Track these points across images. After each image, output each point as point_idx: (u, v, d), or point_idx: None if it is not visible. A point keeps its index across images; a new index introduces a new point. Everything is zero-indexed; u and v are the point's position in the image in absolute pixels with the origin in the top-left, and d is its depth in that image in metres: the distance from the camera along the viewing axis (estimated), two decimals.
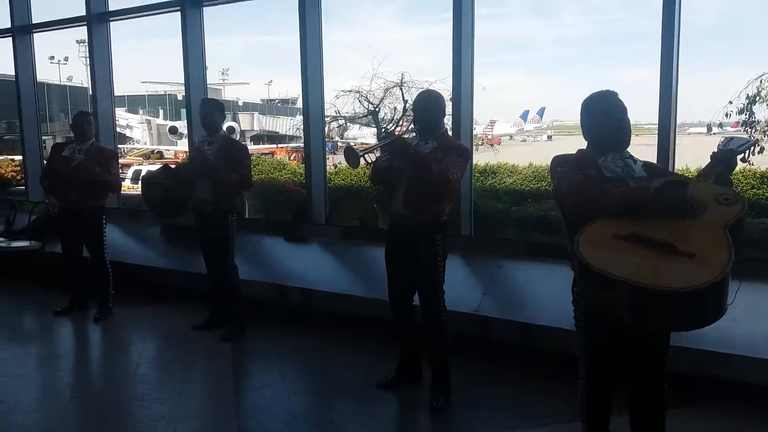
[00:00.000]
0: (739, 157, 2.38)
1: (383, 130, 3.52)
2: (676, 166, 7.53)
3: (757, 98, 7.20)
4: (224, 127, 4.66)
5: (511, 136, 30.60)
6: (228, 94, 37.49)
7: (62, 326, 4.91)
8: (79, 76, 36.42)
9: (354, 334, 4.43)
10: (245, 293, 4.61)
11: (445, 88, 9.10)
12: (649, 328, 2.19)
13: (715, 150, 2.36)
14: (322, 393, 3.79)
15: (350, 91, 9.83)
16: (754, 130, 7.35)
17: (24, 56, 7.51)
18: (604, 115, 2.41)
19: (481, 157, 10.66)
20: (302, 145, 6.33)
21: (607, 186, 2.22)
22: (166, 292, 5.38)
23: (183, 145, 23.06)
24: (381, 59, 13.38)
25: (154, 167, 6.94)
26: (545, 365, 3.73)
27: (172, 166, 5.52)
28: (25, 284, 5.82)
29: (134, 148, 28.54)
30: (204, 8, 6.16)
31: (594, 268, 1.98)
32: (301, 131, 13.03)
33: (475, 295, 4.29)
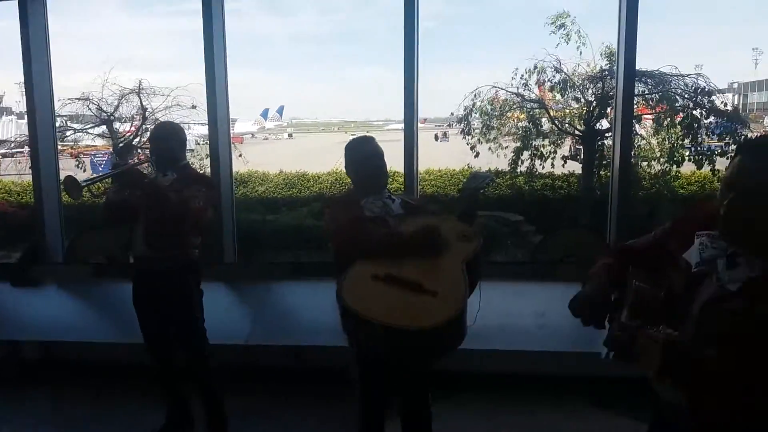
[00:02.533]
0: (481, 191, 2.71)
1: (113, 159, 3.14)
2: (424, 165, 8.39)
3: (473, 109, 8.33)
4: None
5: (252, 135, 30.56)
6: None
7: None
8: None
9: (109, 384, 4.01)
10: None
11: (186, 94, 8.74)
12: (407, 363, 2.43)
13: (461, 187, 2.68)
14: None
15: (79, 99, 8.72)
16: (471, 137, 8.48)
17: None
18: (364, 160, 2.60)
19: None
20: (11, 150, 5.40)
21: (362, 230, 2.37)
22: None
23: None
24: (114, 59, 12.13)
25: None
26: (320, 386, 3.82)
27: None
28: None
29: None
30: None
31: (352, 310, 2.15)
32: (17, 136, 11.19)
33: (244, 325, 4.19)
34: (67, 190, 2.91)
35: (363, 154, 2.61)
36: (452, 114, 8.33)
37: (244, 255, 6.02)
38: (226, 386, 3.39)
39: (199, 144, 11.55)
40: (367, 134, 3.18)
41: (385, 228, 2.42)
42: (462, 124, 8.33)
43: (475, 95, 8.17)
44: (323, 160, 10.58)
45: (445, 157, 8.63)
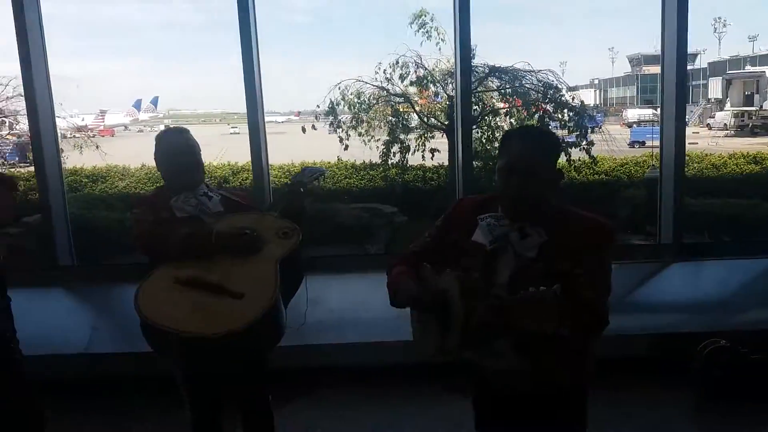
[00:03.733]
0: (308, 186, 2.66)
1: None
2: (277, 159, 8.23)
3: (342, 101, 8.33)
4: None
5: (126, 127, 28.87)
6: None
7: None
8: None
9: None
10: None
11: None
12: (208, 371, 2.32)
13: (289, 181, 2.63)
14: None
15: None
16: (340, 129, 8.49)
17: None
18: (170, 156, 2.44)
19: (86, 159, 9.62)
20: None
21: (170, 231, 2.24)
22: None
23: None
24: None
25: None
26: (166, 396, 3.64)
27: None
28: None
29: None
30: None
31: (144, 318, 2.05)
32: None
33: (83, 332, 3.91)
34: None
35: (171, 147, 2.45)
36: (318, 107, 8.26)
37: (98, 256, 5.64)
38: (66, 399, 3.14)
39: (66, 137, 10.68)
40: (179, 125, 3.01)
41: (199, 227, 2.29)
42: (330, 117, 8.30)
43: (339, 88, 8.17)
44: (205, 152, 10.12)
45: (315, 149, 8.57)
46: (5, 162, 9.96)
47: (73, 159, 9.94)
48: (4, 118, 8.98)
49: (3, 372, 2.90)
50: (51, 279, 4.18)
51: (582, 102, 8.86)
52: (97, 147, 9.34)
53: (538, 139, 1.79)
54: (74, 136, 10.53)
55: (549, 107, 8.09)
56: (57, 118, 9.18)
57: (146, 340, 2.23)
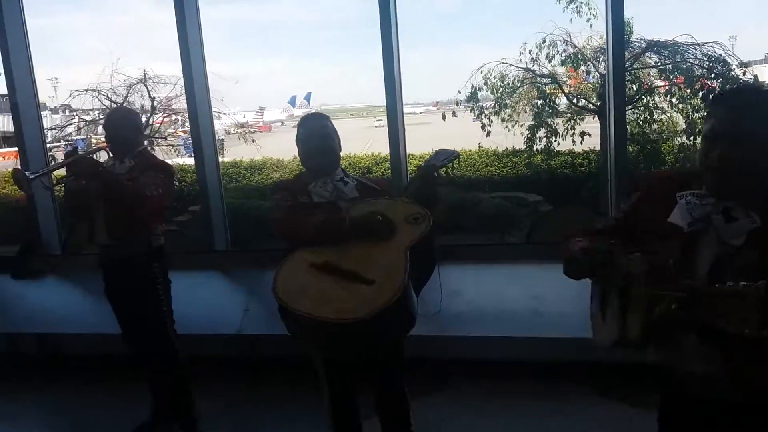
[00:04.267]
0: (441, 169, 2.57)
1: (69, 146, 3.10)
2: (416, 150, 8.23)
3: (484, 86, 8.10)
4: None
5: (282, 123, 30.76)
6: None
7: None
8: None
9: (109, 377, 3.94)
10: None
11: None
12: (340, 356, 2.33)
13: (421, 164, 2.55)
14: None
15: (87, 90, 8.86)
16: (483, 115, 8.27)
17: None
18: (305, 140, 2.47)
19: (244, 152, 10.38)
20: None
21: (307, 216, 2.27)
22: None
23: None
24: (121, 50, 12.21)
25: None
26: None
27: None
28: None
29: None
30: None
31: (280, 301, 2.07)
32: (59, 130, 11.52)
33: (235, 315, 4.15)
34: (17, 183, 2.91)
35: (308, 131, 2.47)
36: (459, 92, 8.09)
37: (251, 241, 6.01)
38: (215, 377, 3.36)
39: (229, 134, 11.65)
40: (319, 111, 3.05)
41: (334, 213, 2.30)
42: (471, 103, 8.11)
43: (481, 72, 7.94)
44: (351, 145, 10.53)
45: (455, 137, 8.43)
46: (180, 155, 10.99)
47: (233, 152, 10.78)
48: (175, 116, 9.91)
49: (162, 351, 3.19)
50: (208, 263, 4.49)
51: (756, 77, 7.78)
52: (253, 141, 9.99)
53: (753, 100, 1.47)
54: (236, 132, 11.41)
55: (716, 84, 7.21)
56: (222, 115, 10.11)
57: (283, 323, 2.28)
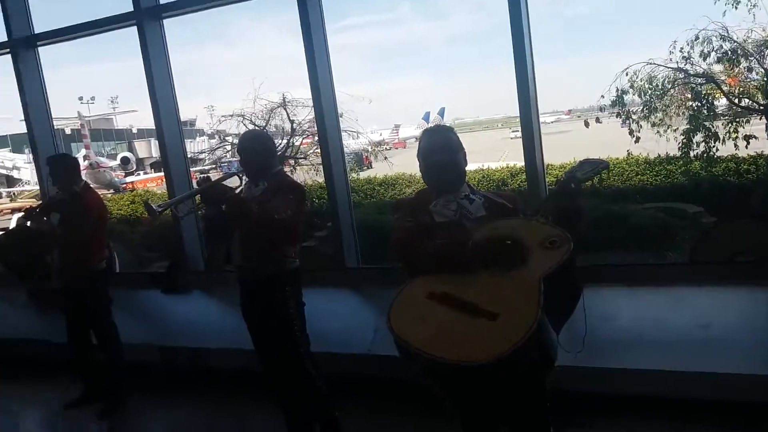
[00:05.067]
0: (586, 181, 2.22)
1: (198, 178, 3.22)
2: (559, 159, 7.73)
3: (630, 89, 7.43)
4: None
5: (416, 138, 31.06)
6: (120, 123, 35.76)
7: None
8: None
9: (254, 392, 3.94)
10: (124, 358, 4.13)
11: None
12: (460, 399, 2.07)
13: (560, 178, 2.23)
14: None
15: (232, 116, 9.45)
16: (630, 120, 7.59)
17: None
18: (427, 154, 2.26)
19: (379, 169, 10.50)
20: (207, 168, 5.86)
21: (426, 238, 2.03)
22: (45, 365, 4.71)
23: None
24: (263, 77, 12.95)
25: None
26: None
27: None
28: None
29: (24, 191, 26.75)
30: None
31: (394, 334, 1.83)
32: (209, 154, 12.62)
33: (366, 334, 4.05)
34: (148, 214, 3.04)
35: (429, 145, 2.26)
36: (602, 97, 7.46)
37: (383, 258, 5.93)
38: (347, 398, 3.26)
39: (370, 151, 11.94)
40: (444, 123, 2.82)
41: (456, 235, 2.05)
42: (616, 108, 7.46)
43: (626, 74, 7.27)
44: (486, 157, 10.33)
45: (600, 145, 7.79)
46: (320, 175, 11.37)
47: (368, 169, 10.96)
48: (315, 137, 10.26)
49: (296, 370, 3.14)
50: (340, 280, 4.46)
51: None
52: (385, 158, 10.07)
53: None
54: (373, 150, 11.63)
55: None
56: (359, 135, 10.34)
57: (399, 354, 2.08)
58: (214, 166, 12.56)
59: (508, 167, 9.24)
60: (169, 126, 5.09)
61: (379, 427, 3.57)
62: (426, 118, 31.87)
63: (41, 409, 4.30)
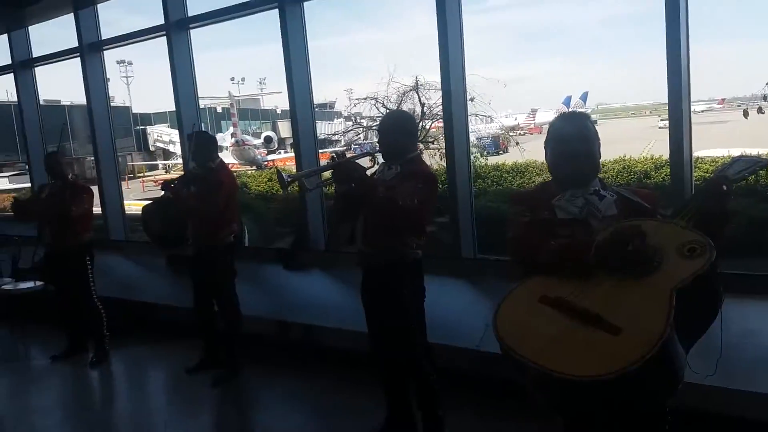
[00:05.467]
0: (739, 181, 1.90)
1: (333, 155, 3.16)
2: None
3: None
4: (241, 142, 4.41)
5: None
6: (266, 103, 37.97)
7: (57, 372, 4.76)
8: (121, 96, 37.54)
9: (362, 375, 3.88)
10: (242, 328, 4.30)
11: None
12: (568, 415, 1.84)
13: (708, 177, 1.93)
14: None
15: (366, 98, 9.56)
16: None
17: (95, 75, 6.95)
18: (556, 144, 2.03)
19: (509, 155, 10.15)
20: (341, 149, 6.05)
21: (544, 237, 1.83)
22: (173, 329, 5.06)
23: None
24: (399, 60, 13.02)
25: None
26: None
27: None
28: (34, 327, 5.72)
29: (178, 164, 29.35)
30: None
31: (498, 338, 1.67)
32: (342, 135, 13.03)
33: (476, 329, 3.88)
34: (279, 183, 3.04)
35: (559, 133, 2.03)
36: (766, 86, 6.57)
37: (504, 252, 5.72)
38: (451, 393, 3.16)
39: (508, 136, 11.64)
40: (584, 109, 2.54)
41: (579, 235, 1.84)
42: None
43: None
44: (630, 146, 9.63)
45: (756, 139, 6.86)
46: (484, 152, 11.23)
47: (497, 155, 10.64)
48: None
49: (409, 360, 3.07)
50: (455, 269, 4.33)
51: None
52: (517, 143, 9.73)
53: None
54: (506, 135, 11.28)
55: None
56: (492, 119, 10.04)
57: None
58: (347, 147, 12.89)
59: (652, 159, 8.52)
60: (303, 108, 5.22)
61: (483, 428, 3.40)
62: (566, 102, 30.52)
63: (167, 370, 4.59)
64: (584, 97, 32.61)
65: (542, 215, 1.95)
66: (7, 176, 19.43)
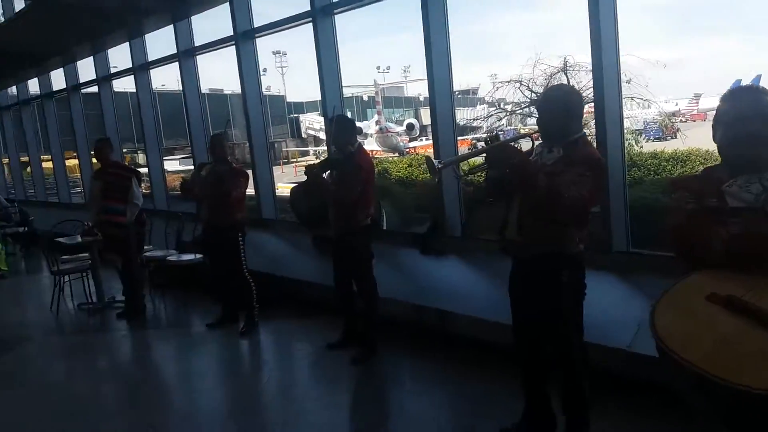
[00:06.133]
0: None
1: (486, 137, 2.94)
2: None
3: None
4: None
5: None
6: (410, 90, 38.41)
7: (212, 339, 5.16)
8: (276, 85, 39.90)
9: (494, 365, 3.85)
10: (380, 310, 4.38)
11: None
12: (731, 428, 1.58)
13: None
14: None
15: (509, 81, 9.23)
16: None
17: (249, 63, 7.33)
18: (730, 121, 1.78)
19: (668, 144, 9.29)
20: (482, 135, 5.97)
21: (714, 227, 1.62)
22: (317, 305, 5.33)
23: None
24: (546, 41, 12.44)
25: None
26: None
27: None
28: (193, 295, 6.27)
29: (326, 150, 30.67)
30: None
31: (657, 339, 1.48)
32: (483, 121, 12.73)
33: (628, 328, 3.58)
34: (429, 170, 2.96)
35: (733, 112, 1.78)
36: None
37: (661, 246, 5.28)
38: (600, 396, 2.95)
39: (671, 120, 10.74)
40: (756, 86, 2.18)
41: (759, 223, 1.60)
42: None
43: None
44: None
45: None
46: (648, 139, 10.53)
47: (654, 143, 9.80)
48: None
49: (566, 356, 2.89)
50: (606, 263, 4.02)
51: None
52: (677, 130, 8.89)
53: None
54: (665, 120, 10.38)
55: None
56: (650, 104, 9.22)
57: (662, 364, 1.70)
58: (488, 134, 12.58)
59: None
60: (442, 94, 5.15)
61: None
62: (736, 87, 27.49)
63: (310, 345, 4.78)
64: (757, 80, 29.14)
65: (709, 203, 1.73)
66: (178, 159, 21.48)
